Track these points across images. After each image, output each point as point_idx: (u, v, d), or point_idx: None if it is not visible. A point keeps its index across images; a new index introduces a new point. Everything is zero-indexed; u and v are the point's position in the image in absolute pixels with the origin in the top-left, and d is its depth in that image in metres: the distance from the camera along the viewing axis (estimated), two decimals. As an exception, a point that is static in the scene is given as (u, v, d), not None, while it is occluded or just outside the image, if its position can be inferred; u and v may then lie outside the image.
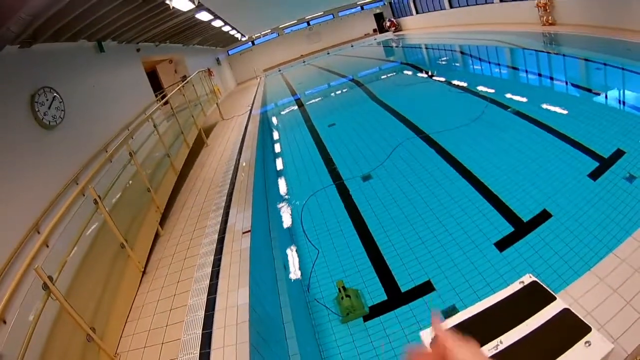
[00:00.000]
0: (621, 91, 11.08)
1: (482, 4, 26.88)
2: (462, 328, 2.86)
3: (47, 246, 5.51)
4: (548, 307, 2.76)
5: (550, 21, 19.76)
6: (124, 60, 15.57)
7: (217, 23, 22.23)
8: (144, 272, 7.31)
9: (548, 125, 9.52)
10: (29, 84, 8.74)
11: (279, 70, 45.41)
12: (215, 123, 20.31)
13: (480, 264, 6.05)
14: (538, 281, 2.97)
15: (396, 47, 35.57)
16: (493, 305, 2.92)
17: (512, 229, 6.59)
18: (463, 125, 11.15)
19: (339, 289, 6.15)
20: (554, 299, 2.81)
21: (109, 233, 6.83)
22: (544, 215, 6.65)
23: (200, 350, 4.74)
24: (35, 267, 4.62)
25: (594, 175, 7.25)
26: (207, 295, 5.78)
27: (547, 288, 2.91)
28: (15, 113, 8.15)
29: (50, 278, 4.73)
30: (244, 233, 7.25)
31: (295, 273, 7.40)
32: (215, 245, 7.20)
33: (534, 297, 2.88)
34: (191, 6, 12.76)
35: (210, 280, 6.12)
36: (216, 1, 13.86)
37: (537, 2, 20.21)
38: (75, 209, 6.47)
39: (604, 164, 7.46)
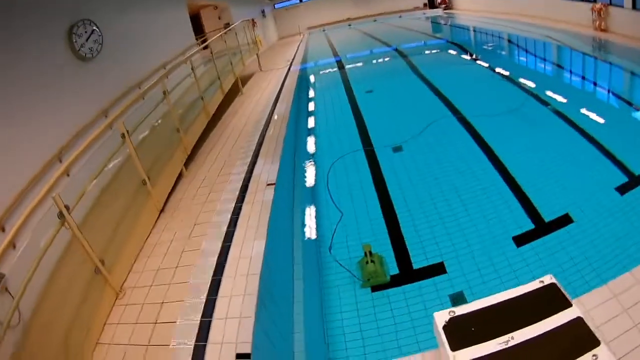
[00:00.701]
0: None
1: (541, -5, 26.27)
2: (477, 317, 2.88)
3: (68, 175, 5.55)
4: (563, 312, 2.76)
5: (602, 27, 19.21)
6: (169, 1, 15.53)
7: (267, -26, 21.93)
8: (162, 210, 7.36)
9: (584, 130, 9.30)
10: (69, 15, 8.71)
11: (323, 30, 44.88)
12: (253, 73, 20.31)
13: (495, 256, 6.03)
14: (557, 284, 2.96)
15: (444, 24, 34.82)
16: (510, 299, 2.93)
17: (532, 226, 6.52)
18: (501, 113, 10.96)
19: (365, 253, 6.19)
20: (570, 305, 2.80)
21: (132, 168, 6.86)
22: (565, 219, 6.54)
23: (208, 296, 4.77)
24: (53, 194, 4.62)
25: (622, 189, 7.06)
26: (223, 242, 5.80)
27: (564, 292, 2.90)
28: (53, 42, 8.15)
29: (66, 207, 4.73)
30: (268, 185, 7.28)
31: (312, 232, 7.47)
32: (237, 193, 7.22)
33: (550, 299, 2.87)
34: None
35: (228, 227, 6.14)
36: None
37: (592, 5, 19.71)
38: (101, 142, 6.52)
39: (634, 180, 7.27)
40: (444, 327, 2.87)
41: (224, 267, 5.26)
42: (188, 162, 9.30)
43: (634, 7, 17.39)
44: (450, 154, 9.32)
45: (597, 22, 19.22)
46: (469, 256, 6.12)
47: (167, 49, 13.67)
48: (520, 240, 6.26)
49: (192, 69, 11.00)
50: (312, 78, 21.01)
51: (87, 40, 8.93)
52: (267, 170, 7.92)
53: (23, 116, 6.78)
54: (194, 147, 9.89)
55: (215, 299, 4.68)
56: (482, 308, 2.92)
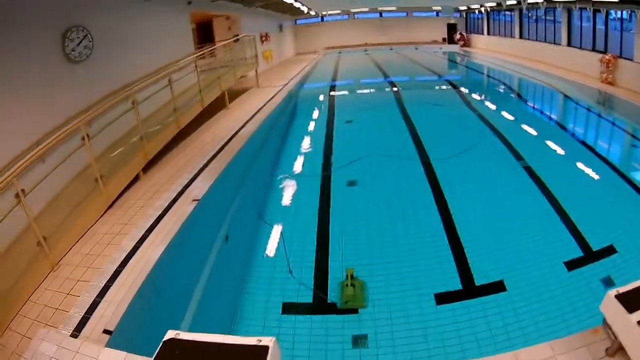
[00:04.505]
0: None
1: (551, 42, 26.32)
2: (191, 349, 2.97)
3: (44, 162, 6.56)
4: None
5: (609, 80, 18.88)
6: (170, 11, 15.33)
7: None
8: (110, 206, 7.95)
9: (551, 193, 8.75)
10: (65, 21, 9.00)
11: (339, 52, 45.05)
12: (249, 88, 20.40)
13: (412, 309, 5.91)
14: (271, 348, 2.84)
15: (459, 62, 34.91)
16: (224, 343, 2.96)
17: (459, 287, 6.29)
18: (467, 161, 10.94)
19: (347, 276, 6.32)
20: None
21: (90, 167, 7.79)
22: (498, 286, 6.22)
23: (107, 282, 5.56)
24: (13, 178, 5.64)
25: (571, 265, 6.56)
26: (136, 243, 6.44)
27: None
28: (46, 43, 8.52)
29: (22, 191, 5.75)
30: (193, 200, 7.63)
31: (237, 248, 7.66)
32: (168, 202, 7.69)
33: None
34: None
35: (146, 232, 6.76)
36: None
37: (602, 56, 19.46)
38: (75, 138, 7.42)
39: (588, 257, 6.74)
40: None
41: (127, 262, 5.99)
42: (150, 167, 9.68)
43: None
44: (403, 195, 9.25)
45: (605, 74, 18.85)
46: (385, 303, 6.02)
47: (160, 59, 13.51)
48: (442, 298, 6.06)
49: (170, 81, 11.16)
50: (301, 100, 21.14)
51: (78, 45, 9.27)
52: (201, 187, 8.27)
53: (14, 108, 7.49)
54: (160, 154, 10.29)
55: (110, 285, 5.49)
56: (202, 341, 3.00)
